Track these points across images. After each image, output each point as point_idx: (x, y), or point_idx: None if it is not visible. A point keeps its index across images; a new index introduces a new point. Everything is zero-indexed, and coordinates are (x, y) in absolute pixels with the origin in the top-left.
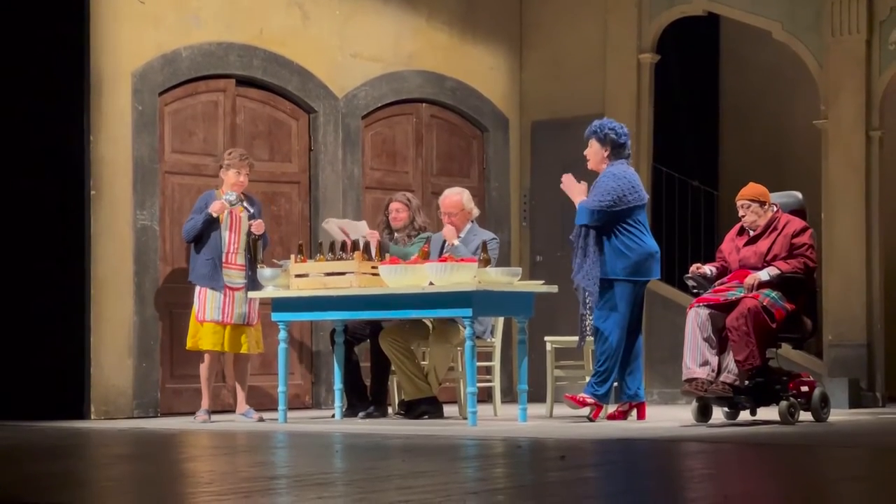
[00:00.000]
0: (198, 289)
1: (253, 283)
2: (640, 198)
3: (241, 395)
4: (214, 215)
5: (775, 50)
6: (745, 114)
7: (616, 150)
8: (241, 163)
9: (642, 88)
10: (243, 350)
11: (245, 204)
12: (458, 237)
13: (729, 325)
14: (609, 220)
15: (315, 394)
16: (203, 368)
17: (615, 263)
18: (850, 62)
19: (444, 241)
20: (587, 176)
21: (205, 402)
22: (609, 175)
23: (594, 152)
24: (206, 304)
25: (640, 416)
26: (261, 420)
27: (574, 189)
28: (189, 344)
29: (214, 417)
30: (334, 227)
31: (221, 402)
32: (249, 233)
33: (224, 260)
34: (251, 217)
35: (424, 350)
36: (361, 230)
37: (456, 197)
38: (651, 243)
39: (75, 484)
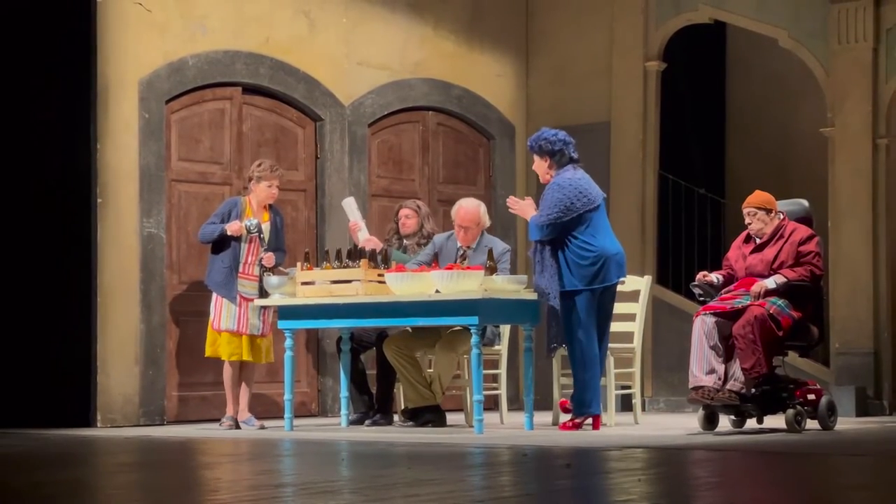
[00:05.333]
0: (214, 296)
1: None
2: (591, 201)
3: (243, 403)
4: (229, 233)
5: (782, 57)
6: (751, 121)
7: (556, 158)
8: (273, 175)
9: (649, 96)
10: (262, 360)
11: (262, 235)
12: (471, 247)
13: (735, 332)
14: (561, 231)
15: (321, 402)
16: (226, 377)
17: (571, 275)
18: (857, 70)
19: (460, 245)
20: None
21: (230, 409)
22: (553, 186)
23: (538, 166)
24: (222, 314)
25: (595, 426)
26: (262, 428)
27: (523, 208)
28: (208, 351)
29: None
30: (352, 208)
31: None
32: (261, 265)
33: (241, 270)
34: (265, 248)
35: (430, 358)
36: (362, 233)
37: (473, 210)
38: (608, 245)
39: (82, 492)
